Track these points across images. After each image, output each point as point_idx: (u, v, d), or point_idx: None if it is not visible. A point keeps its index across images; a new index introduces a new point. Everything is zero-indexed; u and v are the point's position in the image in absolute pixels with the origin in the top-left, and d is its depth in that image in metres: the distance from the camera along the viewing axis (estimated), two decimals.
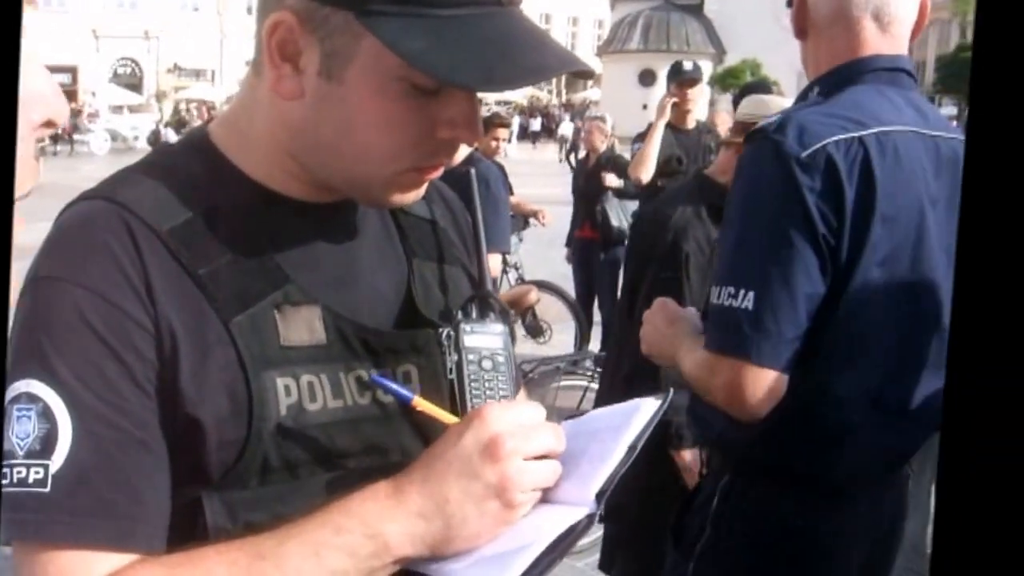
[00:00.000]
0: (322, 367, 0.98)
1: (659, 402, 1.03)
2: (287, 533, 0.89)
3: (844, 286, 1.58)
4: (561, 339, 7.06)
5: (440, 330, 1.06)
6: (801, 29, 1.79)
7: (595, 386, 4.19)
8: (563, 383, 4.38)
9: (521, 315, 6.50)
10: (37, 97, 0.68)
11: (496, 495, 0.90)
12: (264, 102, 0.99)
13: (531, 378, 4.40)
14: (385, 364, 1.03)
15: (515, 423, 0.93)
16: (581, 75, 1.00)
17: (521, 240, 7.37)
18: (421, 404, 0.98)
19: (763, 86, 5.25)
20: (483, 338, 1.06)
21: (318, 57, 0.92)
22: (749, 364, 1.58)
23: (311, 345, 0.97)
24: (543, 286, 7.02)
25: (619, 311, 2.55)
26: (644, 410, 1.01)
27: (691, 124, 5.60)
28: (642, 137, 5.72)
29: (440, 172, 1.03)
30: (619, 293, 3.73)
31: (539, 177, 21.18)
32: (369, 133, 0.94)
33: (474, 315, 1.09)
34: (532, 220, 7.23)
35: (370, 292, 1.07)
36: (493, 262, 3.87)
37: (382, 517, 0.90)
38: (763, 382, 1.58)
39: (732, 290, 1.60)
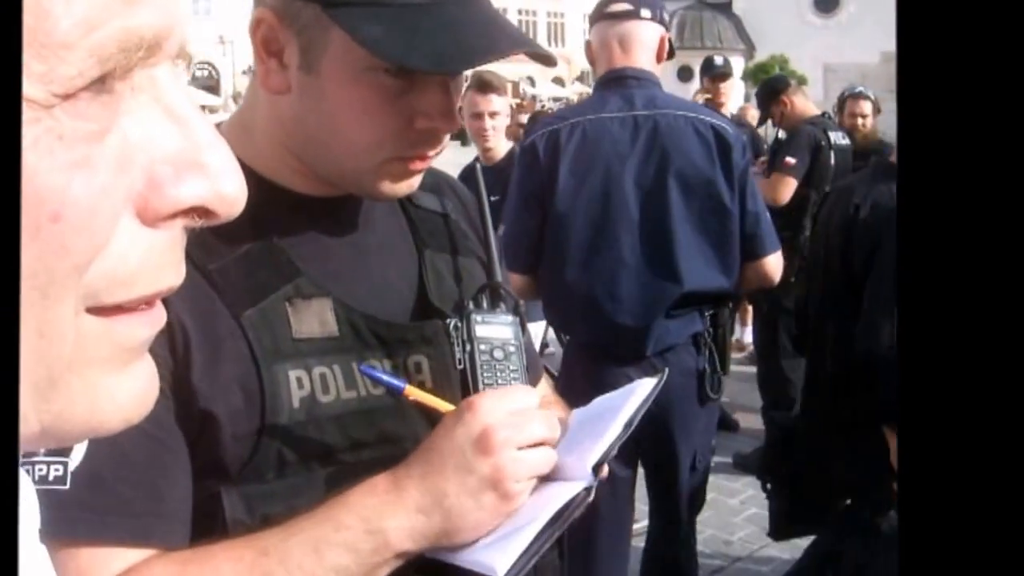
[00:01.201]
0: (334, 358, 0.94)
1: (655, 381, 1.02)
2: (290, 529, 0.85)
3: (547, 216, 2.44)
4: None
5: (448, 321, 1.02)
6: (591, 61, 2.61)
7: None
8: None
9: None
10: None
11: (492, 487, 0.87)
12: (261, 99, 0.97)
13: None
14: (396, 355, 0.99)
15: (507, 412, 0.89)
16: (539, 59, 0.96)
17: None
18: (414, 393, 0.93)
19: (783, 80, 5.17)
20: (494, 328, 1.01)
21: (297, 51, 0.90)
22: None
23: (323, 337, 0.93)
24: None
25: (832, 304, 2.41)
26: (640, 390, 1.00)
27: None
28: None
29: (428, 163, 0.98)
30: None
31: None
32: (347, 123, 0.92)
33: (485, 305, 1.05)
34: None
35: (381, 284, 1.03)
36: None
37: (381, 513, 0.86)
38: (512, 281, 2.28)
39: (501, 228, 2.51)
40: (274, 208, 0.95)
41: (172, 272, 0.41)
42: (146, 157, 0.37)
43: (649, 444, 2.57)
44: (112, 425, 0.39)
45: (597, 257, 2.43)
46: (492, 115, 3.80)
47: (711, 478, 4.50)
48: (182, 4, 0.38)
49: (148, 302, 0.39)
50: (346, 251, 1.01)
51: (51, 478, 0.80)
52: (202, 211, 0.39)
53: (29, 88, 0.31)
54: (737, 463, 4.74)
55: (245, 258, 0.92)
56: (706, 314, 2.54)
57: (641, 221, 2.42)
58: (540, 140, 2.48)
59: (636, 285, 2.41)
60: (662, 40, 2.52)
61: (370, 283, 1.01)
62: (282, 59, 0.91)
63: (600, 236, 2.42)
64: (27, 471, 0.80)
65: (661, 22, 2.53)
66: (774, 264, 2.52)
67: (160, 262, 0.39)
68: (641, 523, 3.70)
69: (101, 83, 0.33)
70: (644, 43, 2.48)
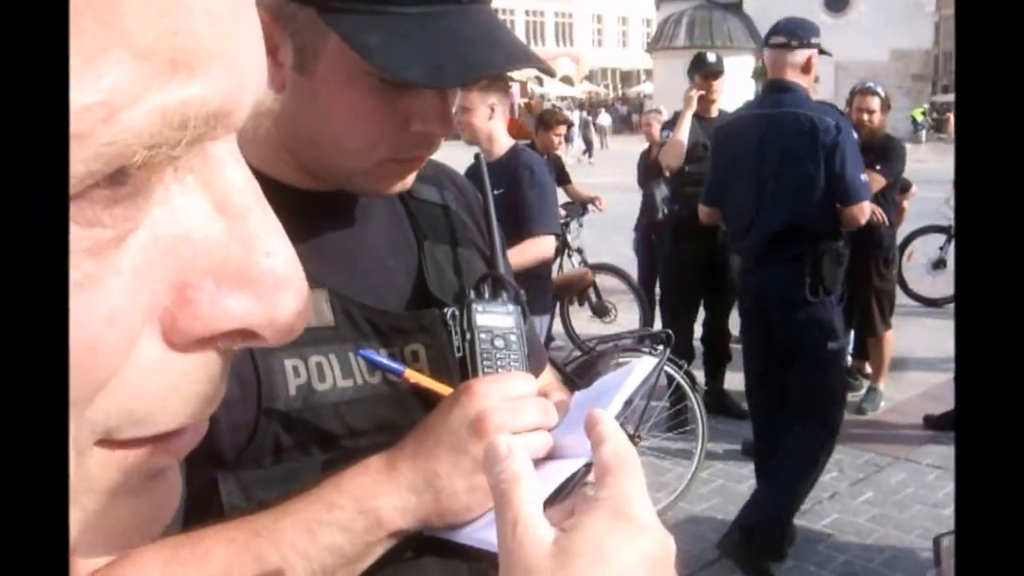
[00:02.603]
0: (331, 348, 0.93)
1: (656, 359, 1.04)
2: (283, 510, 0.85)
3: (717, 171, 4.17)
4: (627, 318, 6.87)
5: (446, 309, 1.00)
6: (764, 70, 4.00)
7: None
8: (621, 359, 4.42)
9: (579, 296, 6.47)
10: None
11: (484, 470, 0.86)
12: None
13: (594, 354, 4.44)
14: (393, 344, 0.98)
15: (503, 397, 0.89)
16: (541, 70, 0.94)
17: (582, 226, 7.26)
18: (413, 376, 0.92)
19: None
20: (495, 317, 1.01)
21: (291, 51, 0.89)
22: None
23: (319, 327, 0.92)
24: (607, 269, 6.93)
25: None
26: (640, 368, 1.00)
27: (714, 113, 5.47)
28: (669, 126, 5.70)
29: (422, 163, 0.98)
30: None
31: (601, 166, 21.05)
32: (341, 126, 0.91)
33: (487, 295, 1.04)
34: (590, 206, 7.17)
35: (379, 276, 1.02)
36: (547, 244, 3.90)
37: (373, 492, 0.86)
38: (705, 211, 4.27)
39: None
40: (271, 202, 0.96)
41: (205, 403, 0.31)
42: (179, 262, 0.28)
43: (775, 339, 3.87)
44: (113, 552, 0.31)
45: (736, 199, 3.96)
46: (463, 110, 3.86)
47: (719, 465, 4.57)
48: (256, 57, 0.29)
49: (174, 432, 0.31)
50: (343, 244, 1.01)
51: None
52: (248, 334, 0.30)
53: None
54: (746, 450, 4.76)
55: None
56: (799, 244, 3.73)
57: (758, 180, 3.80)
58: (722, 126, 4.25)
59: (751, 218, 3.85)
60: (809, 58, 3.77)
61: (368, 275, 1.01)
62: (277, 57, 0.90)
63: (737, 185, 3.93)
64: None
65: (808, 45, 3.74)
66: (856, 211, 3.71)
67: (188, 393, 0.30)
68: (662, 502, 3.72)
69: (122, 175, 0.25)
70: (794, 64, 3.78)
